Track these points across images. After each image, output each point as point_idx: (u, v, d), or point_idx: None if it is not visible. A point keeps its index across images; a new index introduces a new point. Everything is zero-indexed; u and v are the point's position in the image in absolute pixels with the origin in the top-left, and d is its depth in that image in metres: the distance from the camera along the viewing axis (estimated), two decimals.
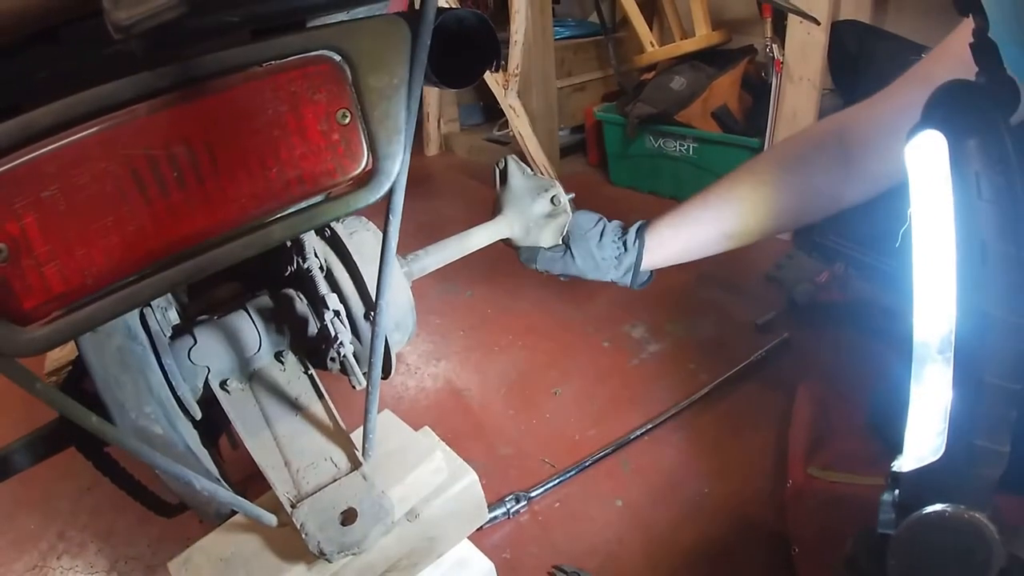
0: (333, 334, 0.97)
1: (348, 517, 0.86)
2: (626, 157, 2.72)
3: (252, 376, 1.07)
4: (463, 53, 0.79)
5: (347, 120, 0.51)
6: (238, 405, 1.03)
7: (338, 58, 0.51)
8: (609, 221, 1.24)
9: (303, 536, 0.85)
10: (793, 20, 2.05)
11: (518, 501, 1.40)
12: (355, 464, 0.93)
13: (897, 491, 0.78)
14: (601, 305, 2.08)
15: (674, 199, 2.62)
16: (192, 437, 0.92)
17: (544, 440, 1.60)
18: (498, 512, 1.38)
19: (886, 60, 2.02)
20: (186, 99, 0.44)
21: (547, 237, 1.27)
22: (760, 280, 2.04)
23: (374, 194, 0.57)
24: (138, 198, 0.46)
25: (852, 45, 2.08)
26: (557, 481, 1.46)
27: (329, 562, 0.86)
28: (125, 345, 0.90)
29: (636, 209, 2.60)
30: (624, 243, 1.20)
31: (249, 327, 1.07)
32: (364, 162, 0.55)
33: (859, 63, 2.08)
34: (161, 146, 0.44)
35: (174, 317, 1.05)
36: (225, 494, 0.83)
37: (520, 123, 2.78)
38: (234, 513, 0.99)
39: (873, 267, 1.97)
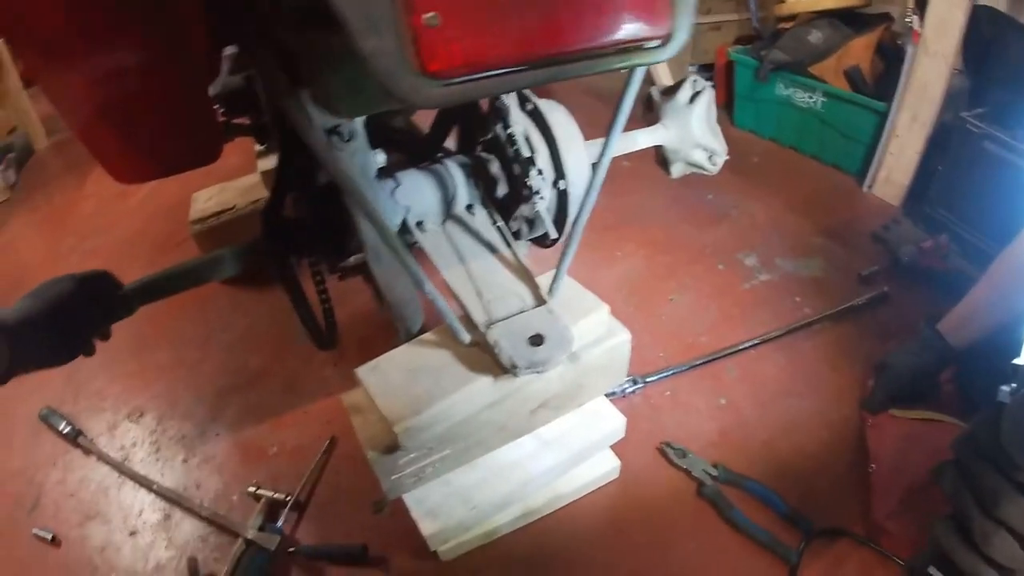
0: (536, 189, 1.10)
1: (535, 341, 1.00)
2: (753, 100, 2.76)
3: (446, 221, 1.22)
4: None
5: None
6: (433, 242, 1.17)
7: None
8: None
9: (496, 352, 0.99)
10: None
11: (635, 383, 1.55)
12: (539, 301, 1.07)
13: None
14: (719, 232, 2.19)
15: (793, 148, 2.69)
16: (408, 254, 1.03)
17: (659, 337, 1.74)
18: (616, 388, 1.53)
19: (1017, 49, 2.03)
20: None
21: (696, 115, 1.39)
22: (867, 237, 2.10)
23: (668, 54, 0.69)
24: (533, 10, 0.59)
25: (987, 30, 2.08)
26: (670, 373, 1.61)
27: (515, 377, 1.00)
28: (367, 161, 1.04)
29: (755, 152, 2.69)
30: None
31: (447, 178, 1.21)
32: (668, 28, 0.67)
33: (991, 48, 2.09)
34: None
35: (381, 160, 1.16)
36: (440, 300, 0.98)
37: None
38: (419, 335, 1.14)
39: (975, 246, 2.02)
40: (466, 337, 1.04)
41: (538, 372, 0.99)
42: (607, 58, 0.66)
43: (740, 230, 2.18)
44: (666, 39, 0.68)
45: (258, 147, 2.14)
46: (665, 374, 1.60)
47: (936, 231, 2.10)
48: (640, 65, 0.69)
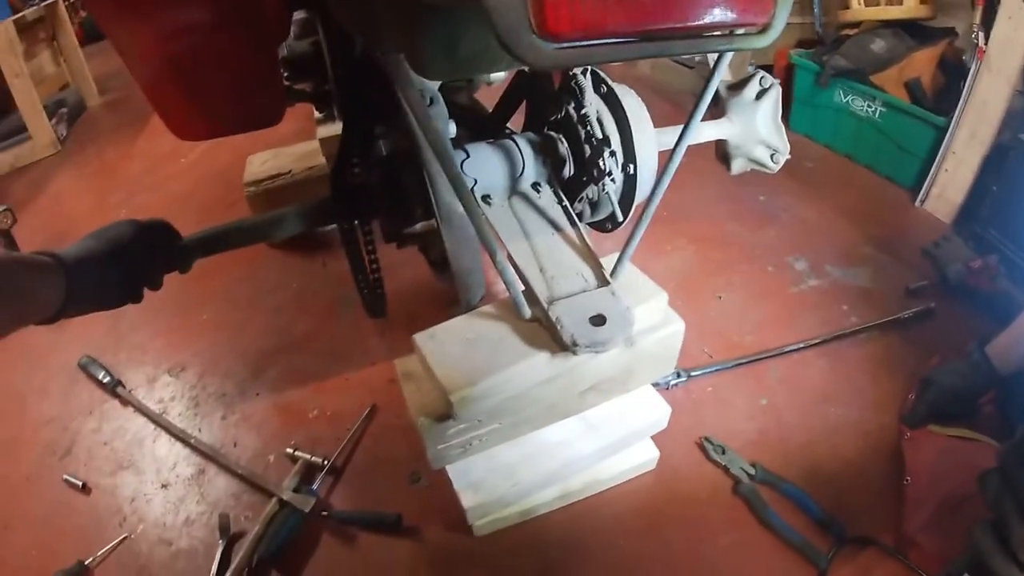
0: (607, 169, 1.10)
1: (597, 321, 1.00)
2: (811, 105, 2.73)
3: (511, 197, 1.22)
4: None
5: None
6: (499, 216, 1.18)
7: None
8: None
9: (558, 328, 0.99)
10: (1003, 14, 2.03)
11: (678, 376, 1.55)
12: (602, 282, 1.07)
13: None
14: (770, 233, 2.18)
15: (848, 157, 2.66)
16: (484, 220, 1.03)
17: (705, 333, 1.74)
18: (659, 380, 1.53)
19: None
20: None
21: (763, 112, 1.38)
22: (916, 252, 2.07)
23: (766, 41, 0.70)
24: None
25: None
26: (713, 369, 1.61)
27: (573, 355, 1.00)
28: (445, 128, 1.05)
29: (809, 157, 2.67)
30: None
31: (515, 154, 1.21)
32: (769, 16, 0.67)
33: None
34: None
35: (452, 131, 1.16)
36: (509, 271, 0.98)
37: None
38: (477, 307, 1.15)
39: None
40: (527, 312, 1.05)
41: (597, 352, 0.99)
42: (709, 39, 0.67)
43: (791, 233, 2.17)
44: (765, 27, 0.68)
45: (317, 114, 2.15)
46: (708, 370, 1.60)
47: (986, 251, 2.07)
48: (739, 49, 0.70)
